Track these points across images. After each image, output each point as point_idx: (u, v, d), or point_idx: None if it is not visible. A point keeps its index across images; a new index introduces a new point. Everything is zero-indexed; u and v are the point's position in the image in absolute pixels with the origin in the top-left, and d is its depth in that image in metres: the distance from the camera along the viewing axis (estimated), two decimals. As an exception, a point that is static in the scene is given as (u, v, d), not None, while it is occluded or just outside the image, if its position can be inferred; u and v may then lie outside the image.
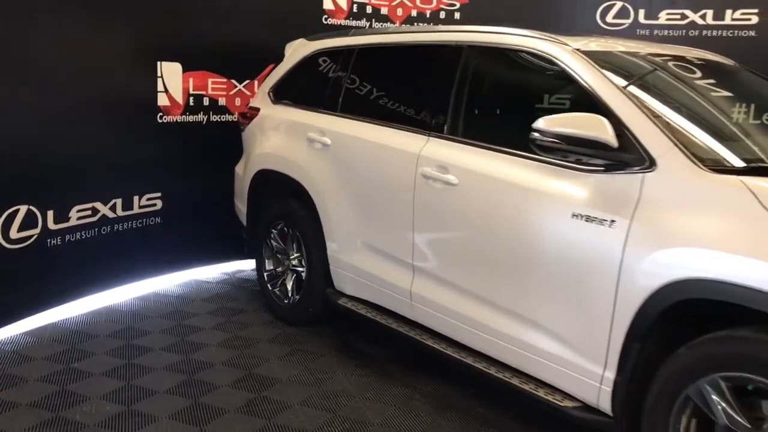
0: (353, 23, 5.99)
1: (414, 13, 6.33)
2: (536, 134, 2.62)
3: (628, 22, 6.50)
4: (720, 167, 2.44)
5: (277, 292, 4.40)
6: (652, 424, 2.45)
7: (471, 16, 6.54)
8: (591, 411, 2.68)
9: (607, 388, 2.59)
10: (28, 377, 3.42)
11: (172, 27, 4.75)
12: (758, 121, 2.99)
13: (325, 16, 5.84)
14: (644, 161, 2.54)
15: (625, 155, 2.57)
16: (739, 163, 2.53)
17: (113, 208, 4.60)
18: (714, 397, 2.28)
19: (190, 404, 3.23)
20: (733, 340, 2.25)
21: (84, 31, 4.21)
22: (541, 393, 2.83)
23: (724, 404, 2.26)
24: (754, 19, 6.11)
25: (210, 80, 5.17)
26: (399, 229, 3.47)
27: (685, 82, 3.05)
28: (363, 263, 3.75)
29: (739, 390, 2.25)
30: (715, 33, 6.28)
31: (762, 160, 2.62)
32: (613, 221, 2.53)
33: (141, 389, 3.35)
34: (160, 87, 4.84)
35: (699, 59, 3.35)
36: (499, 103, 3.29)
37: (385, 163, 3.54)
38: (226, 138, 5.08)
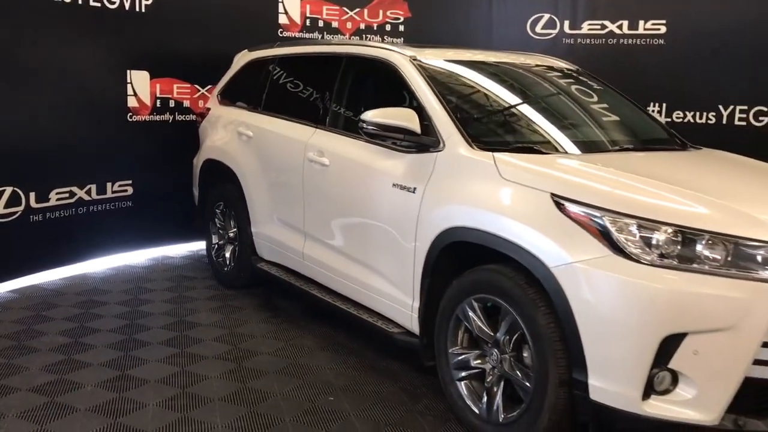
0: (307, 36, 6.88)
1: (362, 26, 7.20)
2: (363, 123, 3.47)
3: (554, 32, 7.29)
4: (485, 146, 3.26)
5: (220, 262, 5.30)
6: (439, 338, 3.28)
7: (415, 28, 7.39)
8: (409, 335, 3.51)
9: (414, 315, 3.43)
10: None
11: (141, 40, 5.69)
12: (550, 115, 3.77)
13: (281, 29, 6.73)
14: (438, 144, 3.38)
15: (427, 139, 3.42)
16: (500, 143, 3.34)
17: (89, 192, 5.55)
18: (470, 314, 3.11)
19: (124, 338, 4.14)
20: (480, 272, 3.07)
21: (65, 42, 5.15)
22: (379, 323, 3.67)
23: (476, 318, 3.09)
24: (663, 29, 6.85)
25: (175, 85, 6.11)
26: (295, 204, 4.35)
27: (496, 82, 3.88)
28: (275, 233, 4.63)
29: (486, 309, 3.06)
30: (630, 42, 7.02)
31: (528, 142, 3.42)
32: (415, 188, 3.38)
33: (88, 329, 4.27)
34: (129, 91, 5.79)
35: (527, 64, 4.15)
36: (358, 100, 4.13)
37: (286, 150, 4.43)
38: (189, 135, 5.98)
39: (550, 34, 7.28)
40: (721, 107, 6.60)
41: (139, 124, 5.87)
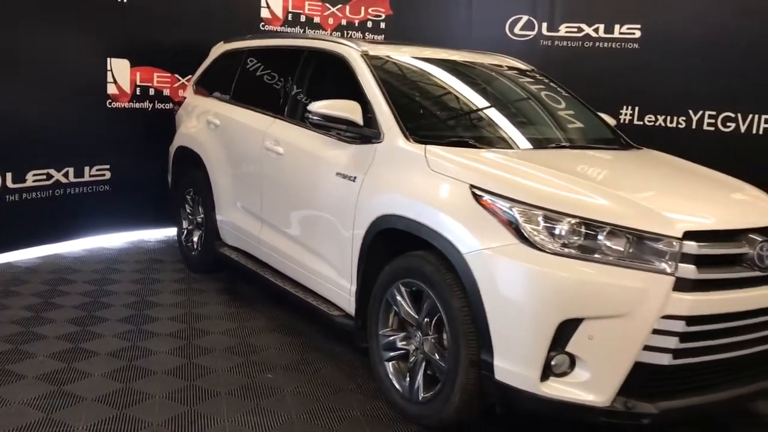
0: (288, 30, 7.04)
1: (344, 22, 7.35)
2: (308, 114, 3.63)
3: (532, 33, 7.42)
4: (420, 139, 3.41)
5: (188, 246, 5.47)
6: (371, 321, 3.44)
7: (396, 26, 7.54)
8: (347, 317, 3.67)
9: (352, 299, 3.59)
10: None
11: (122, 30, 5.85)
12: (491, 111, 3.91)
13: (263, 23, 6.89)
14: (379, 135, 3.53)
15: (369, 131, 3.57)
16: (436, 137, 3.48)
17: (66, 175, 5.73)
18: (398, 297, 3.27)
19: (85, 315, 4.31)
20: (407, 258, 3.23)
21: (47, 30, 5.32)
22: (322, 307, 3.83)
23: (403, 302, 3.25)
24: (638, 33, 6.97)
25: (156, 74, 6.28)
26: (254, 191, 4.52)
27: (443, 79, 4.03)
28: (237, 219, 4.80)
29: (412, 293, 3.22)
30: (606, 45, 7.15)
31: (463, 137, 3.56)
32: (355, 177, 3.54)
33: (52, 305, 4.44)
34: (109, 78, 5.97)
35: (480, 63, 4.30)
36: (314, 92, 4.28)
37: (247, 139, 4.59)
38: (168, 123, 6.14)
39: (528, 35, 7.42)
40: (691, 112, 6.73)
41: (118, 110, 6.04)
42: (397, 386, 3.26)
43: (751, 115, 6.38)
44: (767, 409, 3.54)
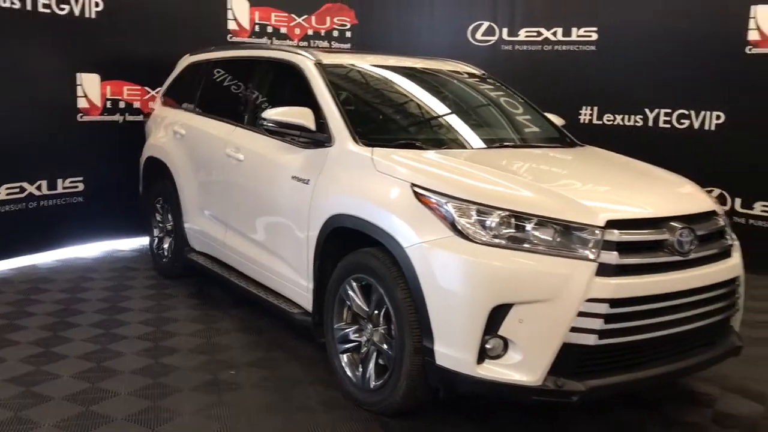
0: (256, 41, 7.21)
1: (310, 32, 7.55)
2: (263, 121, 3.82)
3: (494, 39, 7.65)
4: (369, 142, 3.60)
5: (160, 253, 5.63)
6: (327, 316, 3.62)
7: (362, 35, 7.75)
8: (306, 314, 3.85)
9: (309, 296, 3.76)
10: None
11: (91, 45, 6.02)
12: (438, 114, 4.12)
13: (230, 35, 7.07)
14: (330, 140, 3.72)
15: (321, 135, 3.76)
16: (384, 140, 3.68)
17: (39, 188, 5.88)
18: (350, 292, 3.45)
19: (57, 321, 4.45)
20: (357, 254, 3.41)
21: (17, 46, 5.49)
22: (283, 305, 4.00)
23: (354, 296, 3.43)
24: (594, 36, 7.22)
25: (126, 87, 6.45)
26: (218, 197, 4.69)
27: (393, 85, 4.23)
28: (203, 225, 4.96)
29: (363, 287, 3.39)
30: (564, 48, 7.39)
31: (405, 139, 3.76)
32: (309, 180, 3.72)
33: (24, 312, 4.58)
34: (80, 93, 6.13)
35: (432, 69, 4.50)
36: (272, 100, 4.46)
37: (210, 147, 4.76)
38: (139, 134, 6.30)
39: (490, 41, 7.64)
40: (647, 110, 6.98)
41: (89, 124, 6.20)
42: (351, 376, 3.44)
43: (704, 112, 6.64)
44: (699, 387, 3.75)
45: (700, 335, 3.20)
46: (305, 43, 7.54)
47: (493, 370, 2.85)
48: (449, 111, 4.21)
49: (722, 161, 6.49)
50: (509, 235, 2.88)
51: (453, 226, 2.93)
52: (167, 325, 4.46)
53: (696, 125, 6.68)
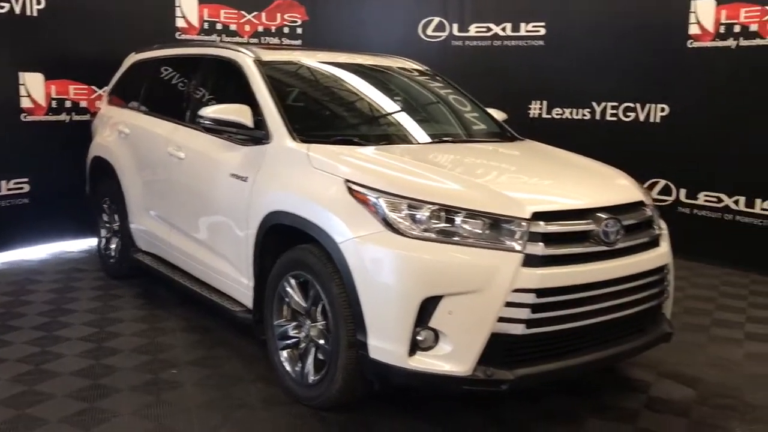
0: (202, 39, 7.14)
1: (261, 29, 7.52)
2: (200, 119, 3.80)
3: (444, 35, 7.70)
4: (306, 139, 3.61)
5: (107, 254, 5.57)
6: (267, 313, 3.62)
7: (313, 31, 7.74)
8: (248, 312, 3.84)
9: (250, 293, 3.76)
10: None
11: (33, 43, 5.91)
12: (377, 110, 4.15)
13: (178, 32, 7.00)
14: (268, 137, 3.72)
15: (259, 133, 3.76)
16: (322, 136, 3.70)
17: (-19, 190, 5.77)
18: (288, 289, 3.46)
19: (4, 311, 4.39)
20: (295, 251, 3.42)
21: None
22: (226, 304, 4.00)
23: (292, 293, 3.44)
24: (543, 31, 7.31)
25: (72, 87, 6.36)
26: (161, 196, 4.66)
27: (333, 81, 4.25)
28: (149, 225, 4.93)
29: (301, 284, 3.41)
30: (513, 43, 7.48)
31: (344, 135, 3.78)
32: (247, 177, 3.72)
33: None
34: (23, 92, 6.02)
35: (374, 65, 4.53)
36: (211, 97, 4.45)
37: (153, 146, 4.73)
38: (87, 134, 6.22)
39: (440, 36, 7.70)
40: (594, 104, 7.10)
41: (33, 123, 6.10)
42: (291, 372, 3.45)
43: (649, 105, 6.78)
44: (636, 373, 3.85)
45: (630, 323, 3.28)
46: (255, 40, 7.50)
47: (424, 362, 2.89)
48: (390, 107, 4.24)
49: (667, 153, 6.65)
50: (439, 228, 2.92)
51: (385, 221, 2.96)
52: (111, 326, 4.42)
53: (642, 118, 6.82)
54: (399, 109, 4.27)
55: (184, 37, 6.99)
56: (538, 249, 2.89)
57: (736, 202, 6.23)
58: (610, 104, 7.01)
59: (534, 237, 2.90)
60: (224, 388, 3.57)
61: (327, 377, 3.20)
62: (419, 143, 3.91)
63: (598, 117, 7.09)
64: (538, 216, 2.94)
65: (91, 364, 3.83)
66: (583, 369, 3.19)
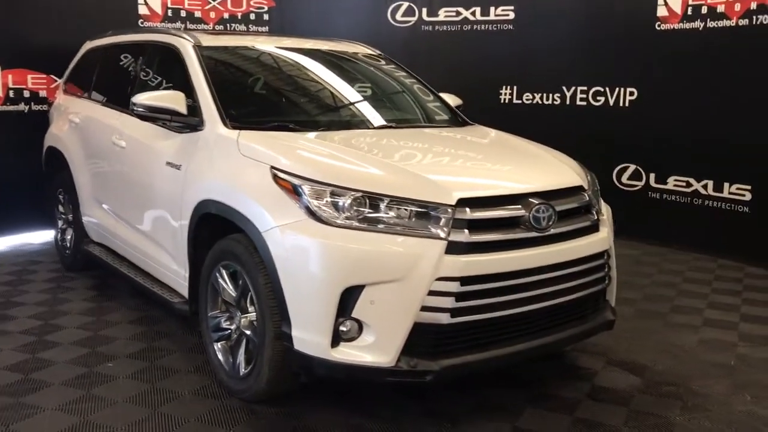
0: (169, 26, 7.03)
1: (226, 15, 7.39)
2: (134, 106, 3.70)
3: (413, 19, 7.57)
4: (238, 126, 3.51)
5: (63, 246, 5.48)
6: (201, 304, 3.54)
7: (280, 17, 7.61)
8: (186, 303, 3.76)
9: (186, 284, 3.68)
10: None
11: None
12: (316, 96, 4.05)
13: (141, 20, 6.88)
14: (202, 123, 3.63)
15: (193, 119, 3.66)
16: (255, 122, 3.60)
17: (-62, 182, 5.67)
18: (220, 280, 3.38)
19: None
20: (225, 241, 3.33)
21: None
22: (165, 295, 3.91)
23: (224, 284, 3.36)
24: (512, 15, 7.19)
25: (29, 76, 6.25)
26: (107, 186, 4.57)
27: (274, 67, 4.14)
28: (98, 216, 4.83)
29: (232, 275, 3.32)
30: (483, 27, 7.36)
31: (279, 121, 3.68)
32: (181, 165, 3.63)
33: None
34: (-22, 82, 5.91)
35: (321, 50, 4.42)
36: (155, 84, 4.35)
37: (99, 135, 4.63)
38: (47, 124, 6.11)
39: (410, 21, 7.57)
40: (564, 88, 7.00)
41: (-10, 114, 5.99)
42: (224, 364, 3.37)
43: (617, 89, 6.68)
44: (584, 361, 3.77)
45: (568, 310, 3.19)
46: (221, 27, 7.39)
47: (347, 353, 2.81)
48: (333, 92, 4.13)
49: (636, 137, 6.56)
50: (362, 216, 2.83)
51: (308, 209, 2.87)
52: (56, 319, 4.35)
53: (611, 102, 6.73)
54: (344, 94, 4.16)
55: (147, 24, 6.86)
56: (463, 236, 2.80)
57: (705, 186, 6.14)
58: (579, 89, 6.91)
59: (459, 224, 2.81)
60: (158, 381, 3.49)
61: (255, 369, 3.12)
62: (360, 129, 3.81)
63: (568, 102, 6.99)
64: (463, 202, 2.84)
65: (27, 359, 3.75)
66: (515, 359, 3.10)
